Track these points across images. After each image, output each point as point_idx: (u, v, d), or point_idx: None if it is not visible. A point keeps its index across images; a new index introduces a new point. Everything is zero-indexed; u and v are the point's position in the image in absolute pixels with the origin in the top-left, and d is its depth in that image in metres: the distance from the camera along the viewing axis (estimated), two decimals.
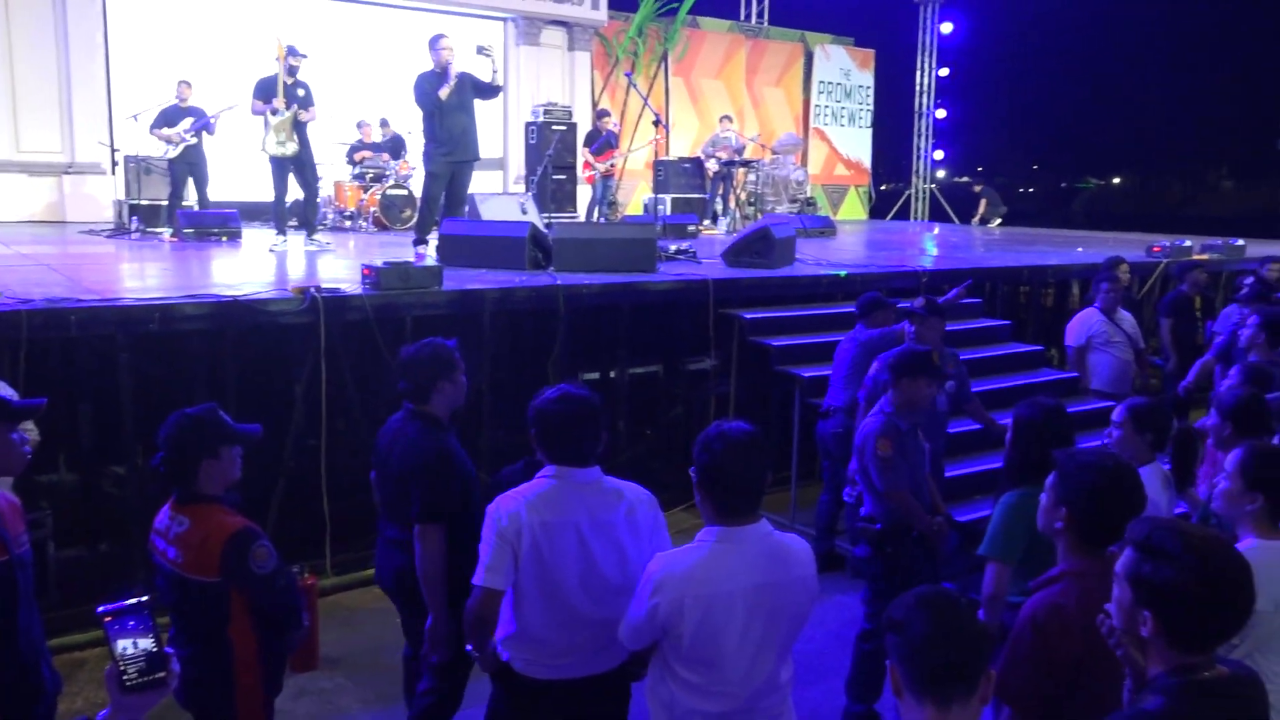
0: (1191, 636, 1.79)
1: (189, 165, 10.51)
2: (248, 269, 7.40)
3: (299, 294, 5.51)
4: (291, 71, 9.28)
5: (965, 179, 27.56)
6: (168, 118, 10.45)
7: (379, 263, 5.93)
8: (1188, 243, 10.57)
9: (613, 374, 6.92)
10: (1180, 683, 1.79)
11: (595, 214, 13.05)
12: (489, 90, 8.62)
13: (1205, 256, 10.21)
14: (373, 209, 11.90)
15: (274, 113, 9.14)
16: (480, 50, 8.40)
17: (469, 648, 2.90)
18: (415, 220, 9.33)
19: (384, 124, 12.71)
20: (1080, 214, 29.77)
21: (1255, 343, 5.29)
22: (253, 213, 11.85)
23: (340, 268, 7.59)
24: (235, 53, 12.61)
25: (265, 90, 9.24)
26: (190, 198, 10.77)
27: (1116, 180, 40.58)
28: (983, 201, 17.74)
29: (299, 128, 9.28)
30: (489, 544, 2.70)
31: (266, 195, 12.45)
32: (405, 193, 12.06)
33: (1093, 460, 2.48)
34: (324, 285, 5.71)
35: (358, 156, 12.23)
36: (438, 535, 3.33)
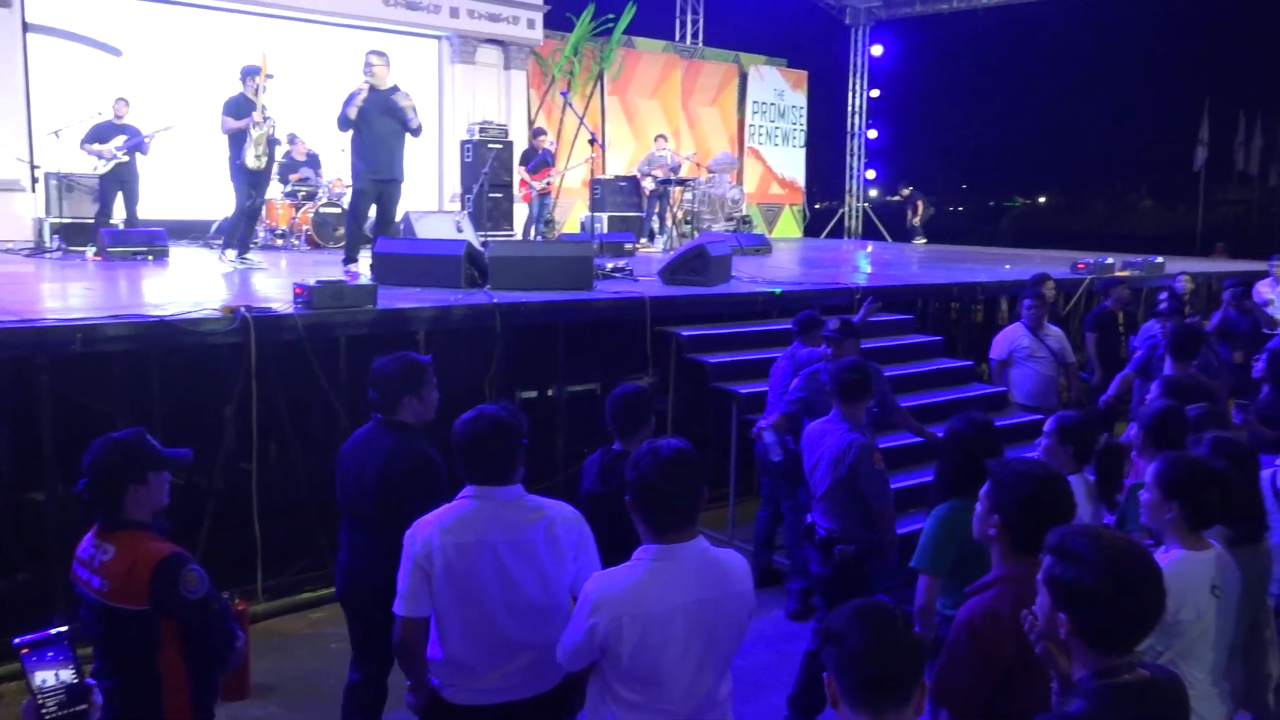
0: (1103, 636, 1.86)
1: (120, 182, 10.31)
2: (176, 288, 7.24)
3: (228, 313, 5.41)
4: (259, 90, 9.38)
5: (895, 198, 28.10)
6: (100, 133, 10.25)
7: (311, 281, 5.85)
8: (1110, 260, 10.89)
9: (550, 392, 6.90)
10: (1102, 685, 1.84)
11: (532, 232, 13.04)
12: (409, 129, 8.64)
13: (1127, 273, 10.53)
14: (305, 227, 11.73)
15: (255, 126, 9.23)
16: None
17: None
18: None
19: (292, 139, 12.46)
20: (1008, 232, 30.53)
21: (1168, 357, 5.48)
22: (180, 231, 11.64)
23: (272, 286, 7.47)
24: (163, 71, 12.41)
25: (238, 107, 9.31)
26: (118, 215, 10.53)
27: (1043, 199, 41.68)
28: (919, 203, 18.22)
29: (271, 144, 9.46)
30: (404, 571, 2.70)
31: (195, 213, 12.26)
32: (338, 210, 11.91)
33: (1024, 468, 2.55)
34: (255, 304, 5.61)
35: (293, 177, 12.04)
36: None
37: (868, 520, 4.22)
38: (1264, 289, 9.77)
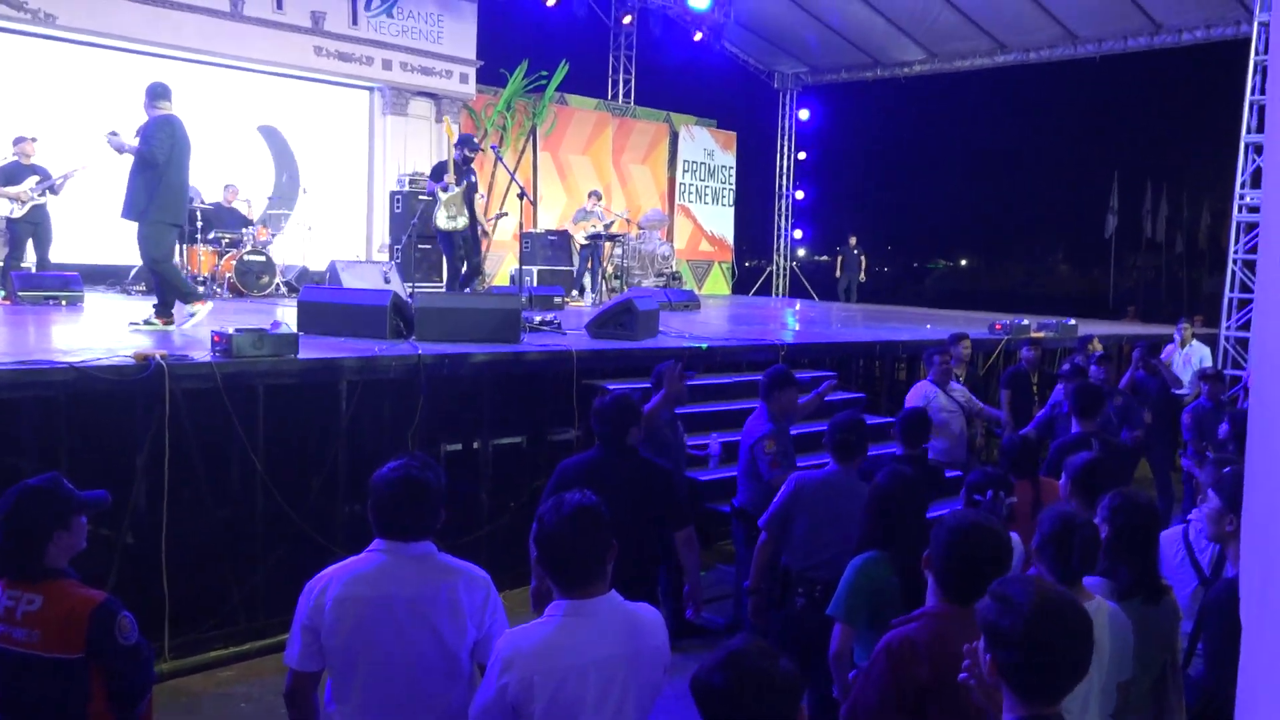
0: (1025, 685, 1.90)
1: (32, 225, 10.08)
2: (89, 334, 7.06)
3: (142, 360, 5.29)
4: (465, 158, 10.31)
5: (824, 257, 28.71)
6: (9, 175, 10.01)
7: (230, 329, 5.76)
8: (1026, 321, 11.25)
9: (475, 445, 6.84)
10: None
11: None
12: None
13: (1041, 334, 10.89)
14: (228, 274, 11.55)
15: (444, 189, 10.06)
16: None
17: None
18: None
19: (226, 189, 12.34)
20: (931, 292, 31.37)
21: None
22: (95, 276, 11.37)
23: (191, 335, 7.31)
24: (69, 110, 12.18)
25: (438, 172, 10.30)
26: (29, 259, 10.25)
27: (964, 262, 42.86)
28: (862, 258, 18.84)
29: (470, 204, 10.24)
30: (296, 621, 2.69)
31: (110, 258, 11.99)
32: (263, 258, 11.77)
33: (954, 521, 2.63)
34: (171, 352, 5.50)
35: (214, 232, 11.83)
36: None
37: None
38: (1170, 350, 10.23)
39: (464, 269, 10.61)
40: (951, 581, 2.54)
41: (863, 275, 19.14)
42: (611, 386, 7.10)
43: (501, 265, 15.68)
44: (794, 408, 5.60)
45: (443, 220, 10.06)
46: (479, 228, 11.00)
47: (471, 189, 10.39)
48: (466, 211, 10.20)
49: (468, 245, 10.44)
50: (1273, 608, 1.30)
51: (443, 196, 10.04)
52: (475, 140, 10.75)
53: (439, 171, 10.42)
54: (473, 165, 10.58)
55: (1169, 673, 3.26)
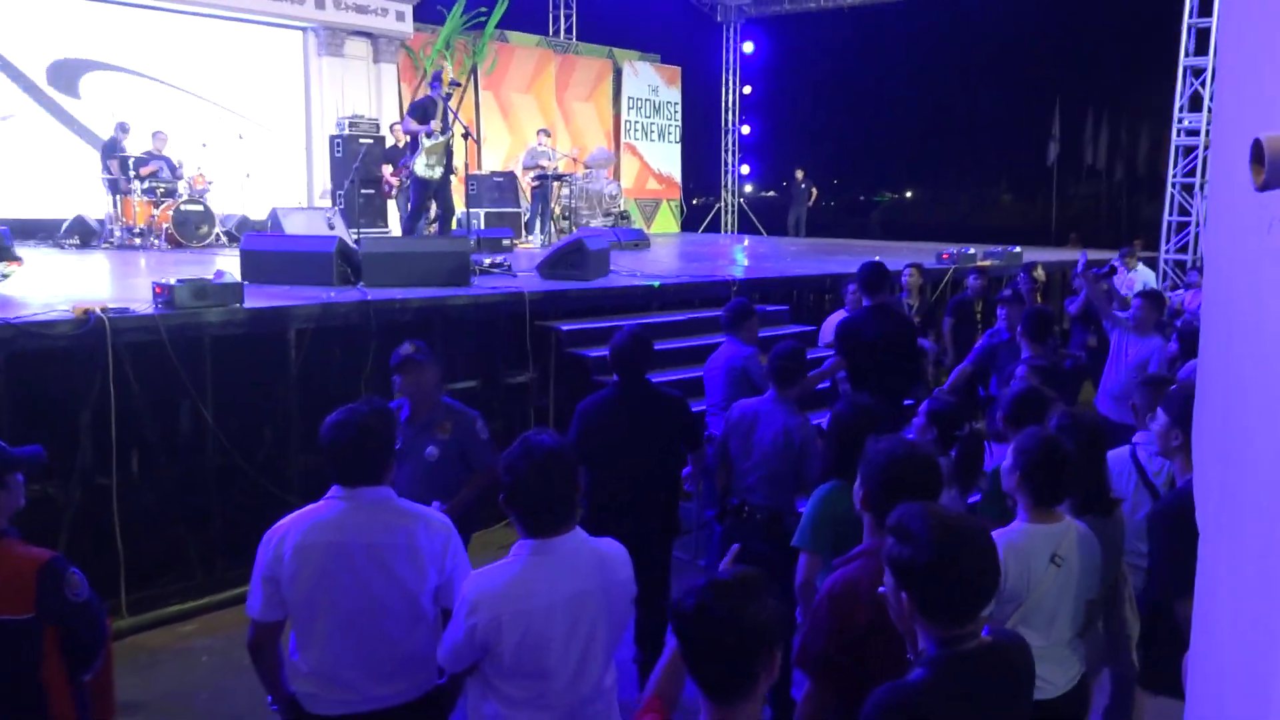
0: (938, 610, 1.92)
1: None
2: (22, 289, 6.84)
3: (81, 315, 5.14)
4: (447, 98, 9.77)
5: (771, 192, 28.68)
6: None
7: (172, 280, 5.61)
8: (973, 250, 11.37)
9: None
10: (943, 654, 1.92)
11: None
12: None
13: (988, 263, 11.01)
14: (165, 225, 11.24)
15: (429, 135, 9.63)
16: None
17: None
18: None
19: (155, 135, 11.89)
20: (877, 225, 31.54)
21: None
22: (26, 230, 11.01)
23: (131, 286, 7.14)
24: None
25: (423, 111, 9.62)
26: None
27: (909, 194, 43.07)
28: (812, 190, 18.83)
29: (449, 153, 9.87)
30: (256, 572, 2.68)
31: (41, 211, 11.64)
32: (201, 208, 11.46)
33: (888, 447, 2.62)
34: (110, 305, 5.35)
35: (144, 170, 11.46)
36: None
37: (799, 496, 4.30)
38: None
39: (432, 213, 10.38)
40: (888, 510, 2.38)
41: (810, 205, 19.12)
42: (565, 327, 7.08)
43: None
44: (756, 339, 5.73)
45: (421, 167, 9.79)
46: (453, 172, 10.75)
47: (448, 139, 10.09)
48: (445, 161, 9.96)
49: (442, 190, 10.24)
50: (1232, 514, 1.33)
51: (426, 143, 9.70)
52: (453, 78, 10.46)
53: (422, 112, 9.90)
54: (451, 105, 10.24)
55: (1120, 584, 3.37)
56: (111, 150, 11.50)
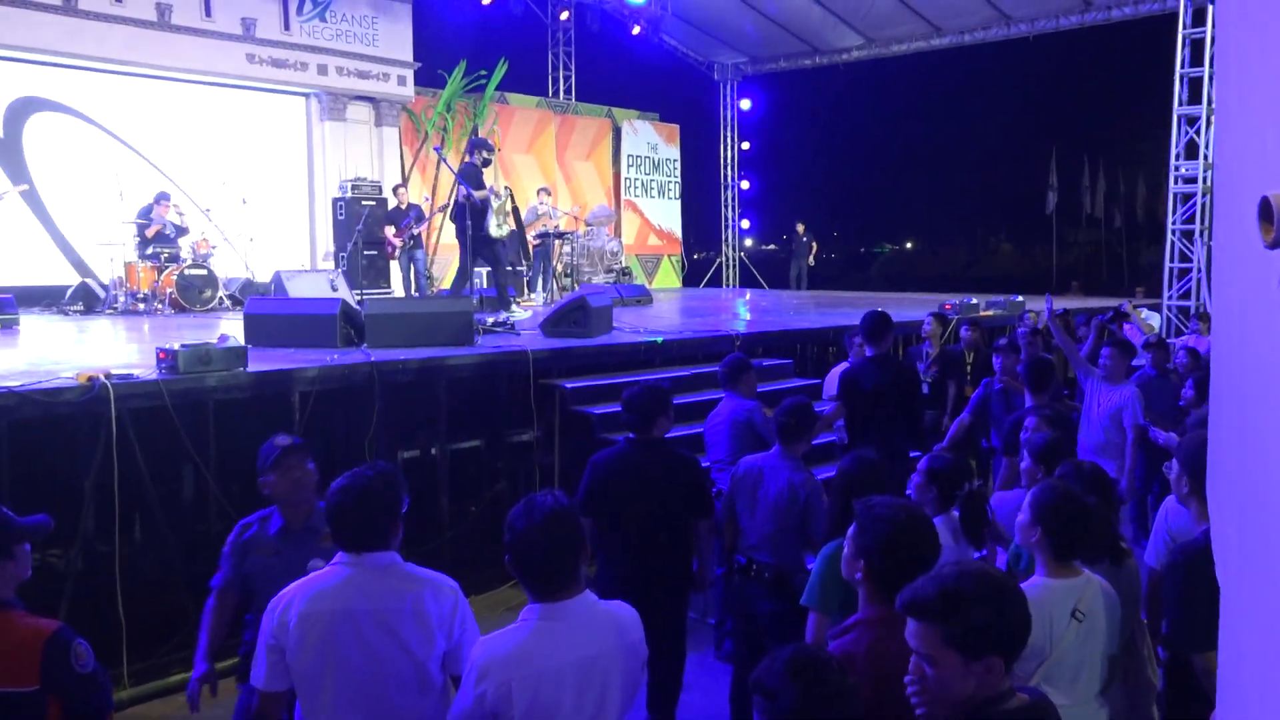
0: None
1: None
2: (26, 356, 6.86)
3: (85, 381, 5.15)
4: (486, 164, 10.16)
5: (772, 246, 28.87)
6: None
7: (176, 345, 5.63)
8: (975, 300, 11.40)
9: (433, 450, 6.76)
10: (984, 715, 1.87)
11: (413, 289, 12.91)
12: None
13: (991, 312, 11.04)
14: (169, 290, 11.30)
15: (497, 197, 10.04)
16: None
17: None
18: None
19: (159, 199, 11.94)
20: (878, 276, 31.70)
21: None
22: (30, 298, 11.10)
23: (133, 352, 7.16)
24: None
25: (476, 176, 9.91)
26: None
27: (909, 245, 43.35)
28: (813, 243, 19.09)
29: (516, 212, 10.45)
30: (261, 641, 2.66)
31: (43, 279, 11.74)
32: (205, 272, 11.54)
33: (885, 511, 2.53)
34: (114, 371, 5.36)
35: (149, 233, 11.54)
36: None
37: (805, 552, 4.32)
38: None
39: (531, 270, 11.06)
40: (890, 580, 2.36)
41: (811, 261, 19.28)
42: (568, 385, 7.08)
43: (449, 268, 15.54)
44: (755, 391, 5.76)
45: (494, 228, 9.98)
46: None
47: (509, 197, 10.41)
48: (513, 219, 10.24)
49: (517, 249, 10.50)
50: (1255, 567, 1.31)
51: (494, 204, 9.93)
52: (489, 142, 10.67)
53: (476, 177, 9.97)
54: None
55: (1136, 637, 3.32)
56: (143, 216, 11.54)
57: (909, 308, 10.76)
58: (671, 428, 4.58)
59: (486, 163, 10.18)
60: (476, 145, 10.20)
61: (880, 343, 5.94)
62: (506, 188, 10.93)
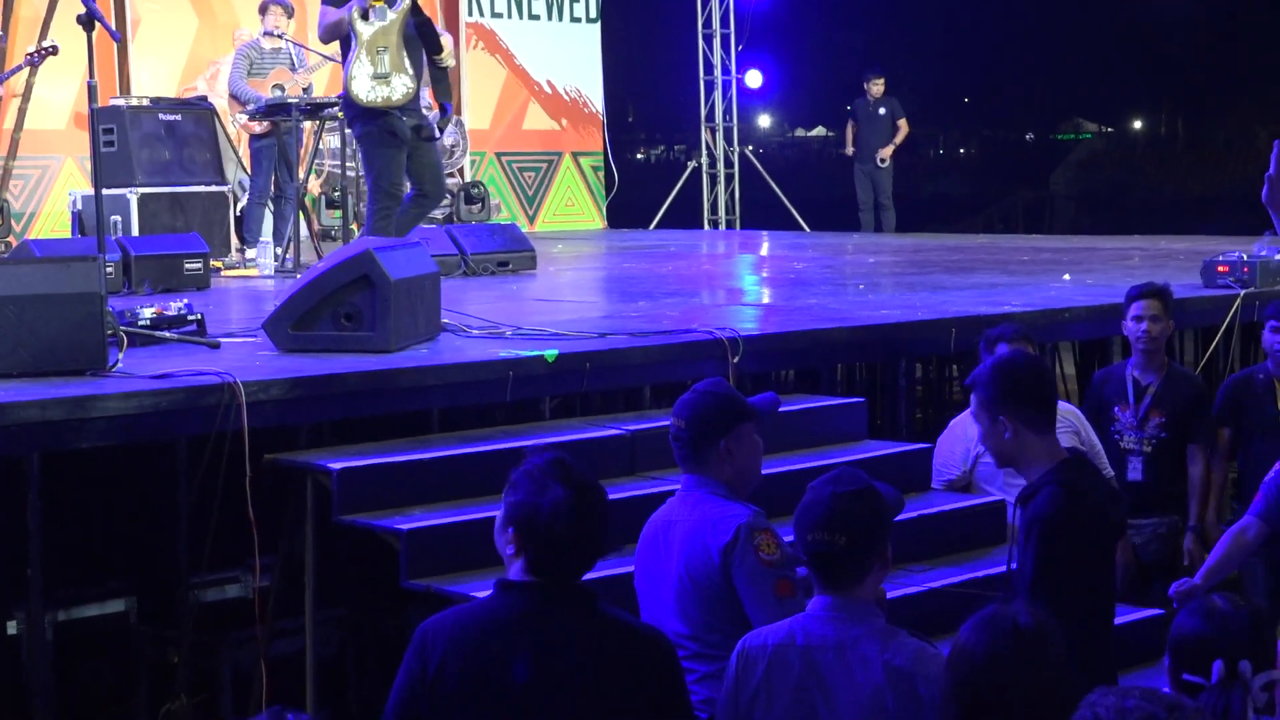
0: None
1: None
2: None
3: None
4: None
5: (819, 130, 29.22)
6: None
7: None
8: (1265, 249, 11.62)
9: (16, 628, 6.84)
10: None
11: None
12: None
13: None
14: None
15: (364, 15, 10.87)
16: None
17: None
18: None
19: None
20: (1064, 195, 32.58)
21: None
22: None
23: None
24: None
25: None
26: None
27: (1109, 129, 44.83)
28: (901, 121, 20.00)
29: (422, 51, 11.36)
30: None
31: None
32: None
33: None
34: None
35: None
36: None
37: None
38: None
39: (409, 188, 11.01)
40: None
41: (886, 157, 19.58)
42: (335, 465, 7.05)
43: (53, 188, 15.61)
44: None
45: (361, 86, 10.47)
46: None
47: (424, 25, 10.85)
48: (411, 68, 10.57)
49: (419, 147, 10.94)
50: None
51: (363, 31, 10.36)
52: None
53: None
54: None
55: None
56: None
57: (1122, 273, 10.90)
58: (610, 556, 4.86)
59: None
60: None
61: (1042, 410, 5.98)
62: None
